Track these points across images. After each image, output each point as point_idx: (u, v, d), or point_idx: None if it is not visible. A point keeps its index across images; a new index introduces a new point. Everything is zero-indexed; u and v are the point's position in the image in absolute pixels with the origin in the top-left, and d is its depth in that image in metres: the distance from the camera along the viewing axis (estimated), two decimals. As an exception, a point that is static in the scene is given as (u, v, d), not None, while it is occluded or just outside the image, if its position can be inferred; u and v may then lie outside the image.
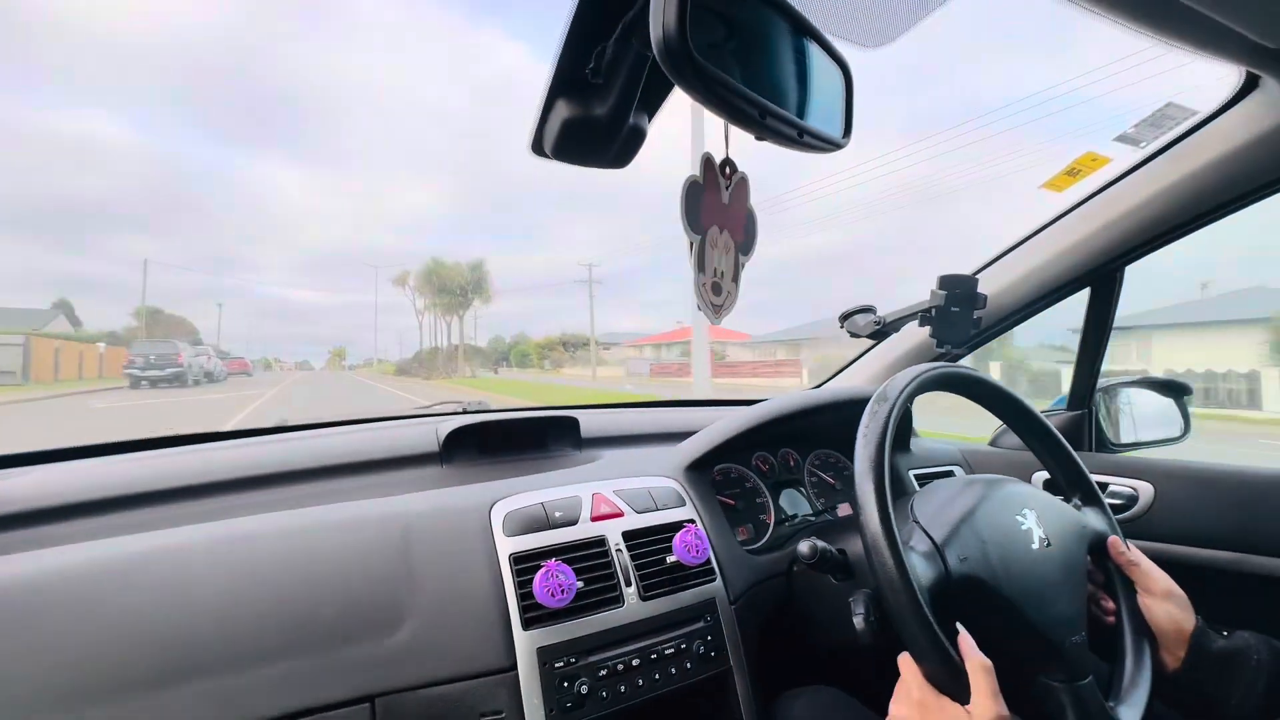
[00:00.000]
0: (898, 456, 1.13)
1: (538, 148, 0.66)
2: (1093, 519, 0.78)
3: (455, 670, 0.63)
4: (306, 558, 0.64)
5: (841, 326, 1.24)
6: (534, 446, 1.08)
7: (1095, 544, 0.76)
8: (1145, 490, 1.03)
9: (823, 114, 0.55)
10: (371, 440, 1.00)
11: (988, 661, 0.57)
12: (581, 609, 0.69)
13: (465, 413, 1.26)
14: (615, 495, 0.80)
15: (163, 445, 0.92)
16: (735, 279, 0.62)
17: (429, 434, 1.02)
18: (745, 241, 0.60)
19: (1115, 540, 0.75)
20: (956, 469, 1.19)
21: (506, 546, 0.70)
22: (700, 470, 0.94)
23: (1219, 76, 0.77)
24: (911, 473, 1.13)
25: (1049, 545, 0.71)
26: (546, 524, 0.73)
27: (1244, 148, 0.79)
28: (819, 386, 1.38)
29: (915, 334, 1.21)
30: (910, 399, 0.72)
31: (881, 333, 1.18)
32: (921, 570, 0.63)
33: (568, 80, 0.58)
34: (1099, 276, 1.04)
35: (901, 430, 1.14)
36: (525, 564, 0.69)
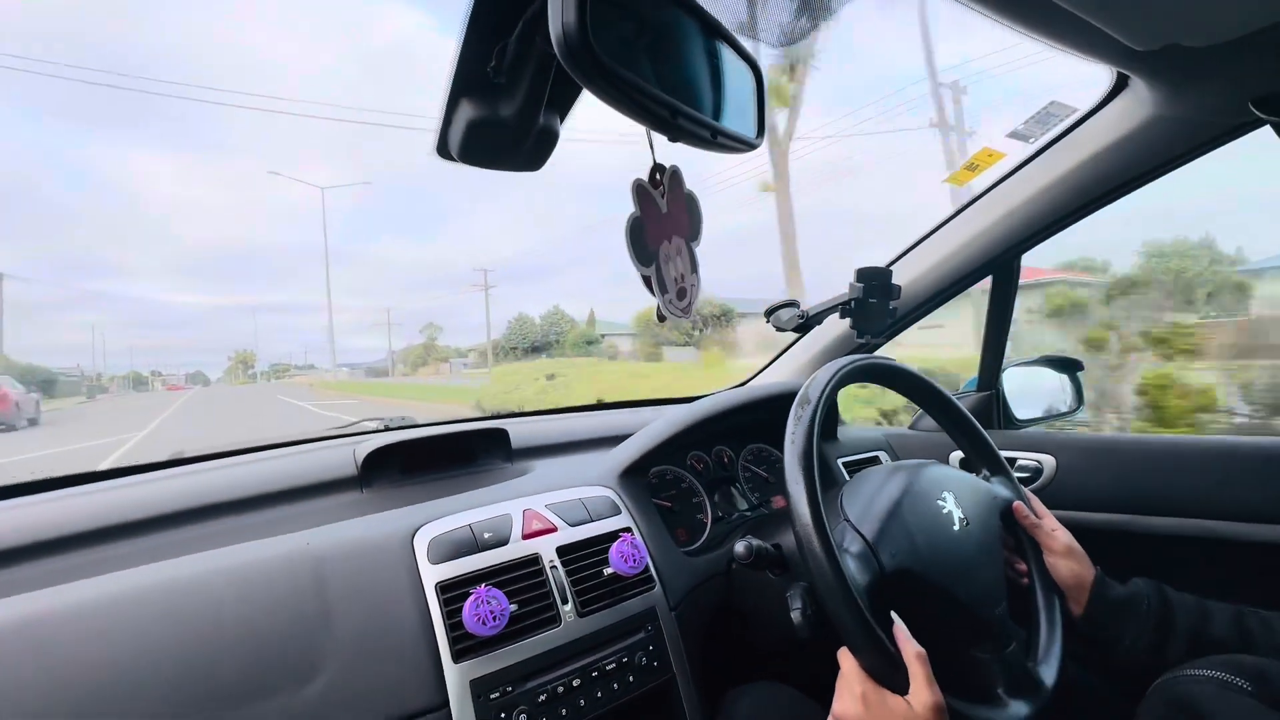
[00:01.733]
0: (826, 446, 1.17)
1: (443, 150, 0.62)
2: (1000, 488, 0.83)
3: (381, 714, 0.58)
4: (202, 611, 0.58)
5: (767, 321, 1.26)
6: (461, 462, 1.04)
7: (1004, 511, 0.81)
8: (1048, 462, 1.10)
9: (735, 114, 0.54)
10: (282, 468, 0.92)
11: (922, 650, 0.59)
12: (516, 633, 0.66)
13: (387, 429, 1.19)
14: (547, 510, 0.77)
15: (18, 493, 0.80)
16: (694, 269, 0.60)
17: (347, 456, 0.96)
18: (693, 231, 0.59)
19: (1019, 505, 0.81)
20: (882, 454, 1.24)
21: (432, 575, 0.66)
22: (635, 476, 0.92)
23: (1095, 76, 0.82)
24: (840, 461, 1.17)
25: (968, 524, 0.74)
26: (475, 547, 0.69)
27: (1117, 144, 0.86)
28: (747, 382, 1.40)
29: (837, 325, 1.24)
30: (831, 396, 0.73)
31: (805, 326, 1.21)
32: (857, 572, 0.64)
33: (470, 80, 0.55)
34: (999, 265, 1.11)
35: (828, 421, 1.17)
36: (454, 592, 0.65)
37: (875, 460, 1.21)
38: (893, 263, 1.19)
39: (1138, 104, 0.81)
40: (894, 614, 0.63)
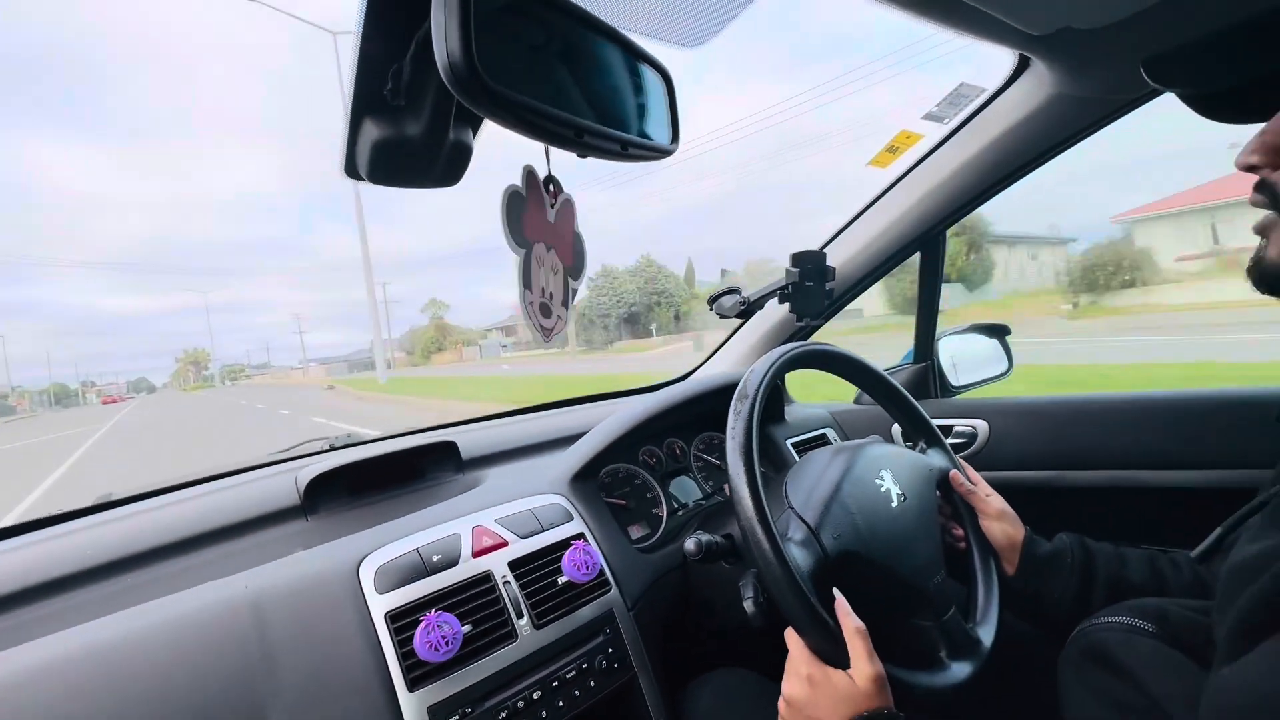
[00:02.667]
0: (773, 429, 1.19)
1: (351, 170, 0.60)
2: (936, 459, 0.87)
3: None
4: (135, 674, 0.55)
5: (711, 309, 1.27)
6: (410, 479, 1.02)
7: (941, 481, 0.85)
8: (982, 427, 1.16)
9: (647, 123, 0.54)
10: (221, 503, 0.89)
11: (861, 624, 0.61)
12: (472, 654, 0.65)
13: (333, 449, 1.16)
14: (497, 525, 0.77)
15: None
16: (565, 303, 0.59)
17: (290, 484, 0.93)
18: (574, 266, 0.58)
19: (955, 474, 0.85)
20: (828, 430, 1.28)
21: (381, 605, 0.65)
22: (586, 479, 0.93)
23: (998, 59, 0.85)
24: (789, 441, 1.20)
25: (905, 500, 0.77)
26: (424, 570, 0.69)
27: (1023, 122, 0.89)
28: (692, 373, 1.42)
29: (777, 310, 1.26)
30: (770, 386, 0.75)
31: (747, 312, 1.23)
32: (801, 559, 0.66)
33: (369, 100, 0.53)
34: (926, 241, 1.14)
35: (773, 405, 1.20)
36: (404, 620, 0.64)
37: (822, 438, 1.25)
38: (826, 245, 1.21)
39: (1039, 84, 0.84)
40: (836, 590, 0.65)
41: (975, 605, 0.78)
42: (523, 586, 0.72)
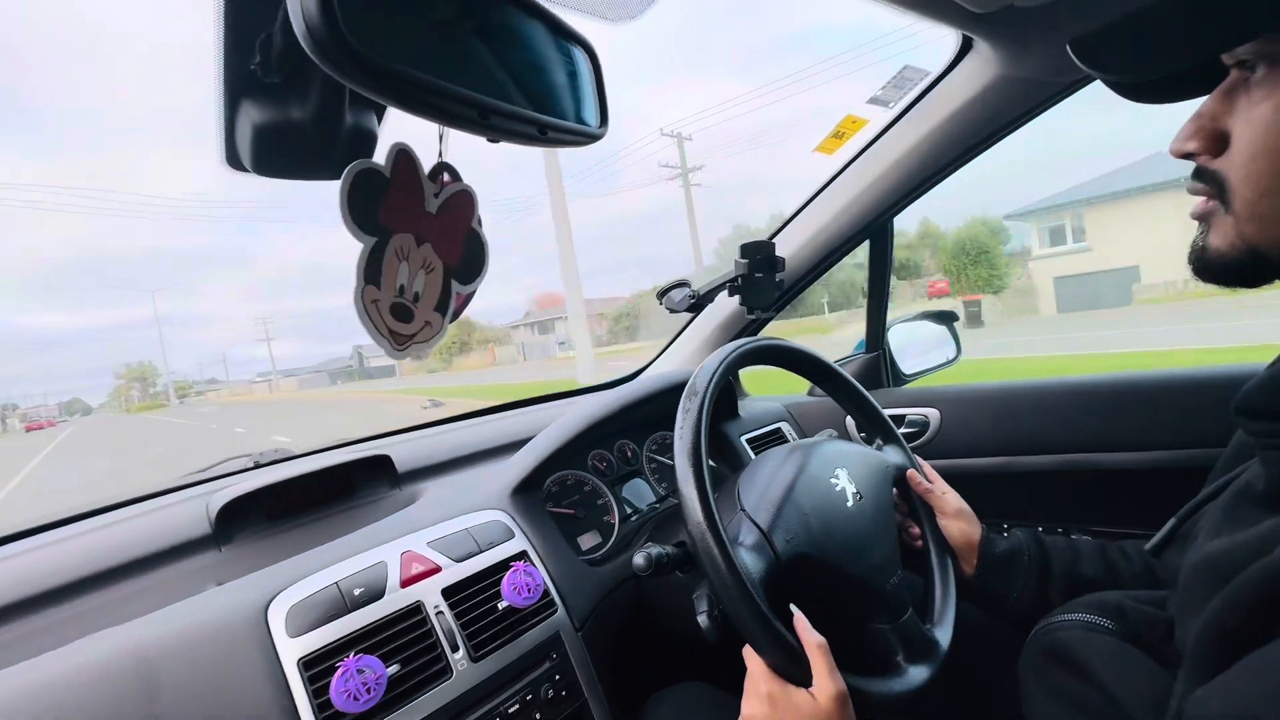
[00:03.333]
0: (728, 425, 1.16)
1: (233, 160, 0.52)
2: (893, 456, 0.85)
3: None
4: None
5: (660, 303, 1.22)
6: (339, 498, 0.94)
7: (898, 478, 0.83)
8: (934, 415, 1.15)
9: (569, 105, 0.48)
10: (123, 536, 0.79)
11: (822, 640, 0.58)
12: (400, 698, 0.59)
13: (257, 467, 1.06)
14: (430, 548, 0.70)
15: None
16: (441, 309, 0.52)
17: (203, 510, 0.84)
18: (463, 268, 0.52)
19: (912, 473, 0.83)
20: (783, 424, 1.25)
21: (293, 650, 0.58)
22: (529, 491, 0.87)
23: (943, 40, 0.83)
24: (744, 438, 1.17)
25: (861, 498, 0.75)
26: (345, 607, 0.62)
27: (969, 104, 0.87)
28: (642, 371, 1.38)
29: (728, 303, 1.23)
30: (719, 384, 0.71)
31: (698, 305, 1.19)
32: (752, 564, 0.62)
33: (243, 79, 0.45)
34: (873, 229, 1.13)
35: (727, 401, 1.16)
36: (321, 666, 0.57)
37: (777, 432, 1.22)
38: (774, 235, 1.18)
39: (984, 65, 0.82)
40: (793, 607, 0.62)
41: (932, 606, 0.76)
42: (458, 616, 0.66)
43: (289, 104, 0.47)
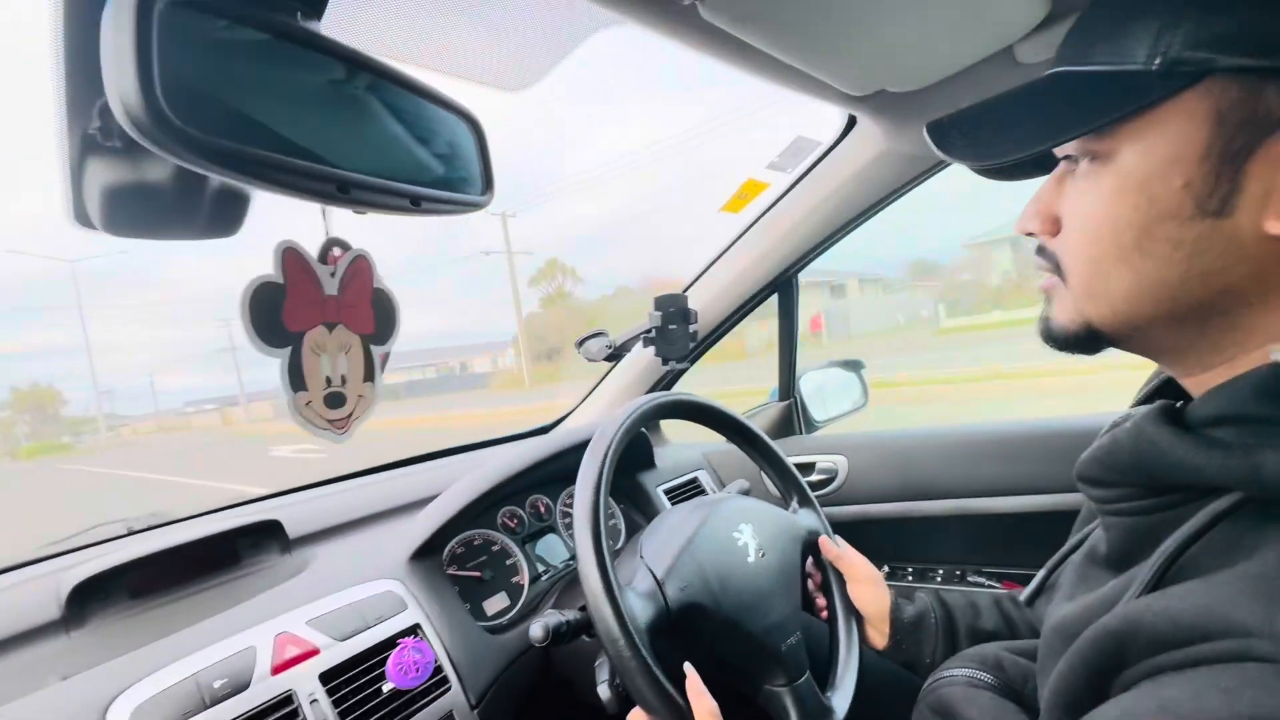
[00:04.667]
0: (644, 476, 1.15)
1: (81, 218, 0.49)
2: (806, 520, 0.85)
3: None
4: None
5: (579, 351, 1.22)
6: (220, 568, 0.86)
7: (809, 544, 0.83)
8: (842, 463, 1.19)
9: (447, 175, 0.48)
10: None
11: (713, 703, 0.57)
12: None
13: (130, 534, 0.97)
14: (309, 627, 0.65)
15: None
16: (369, 378, 0.51)
17: (51, 590, 0.74)
18: (378, 332, 0.51)
19: (825, 540, 0.82)
20: (700, 473, 1.26)
21: None
22: (429, 556, 0.83)
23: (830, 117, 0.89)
24: (660, 488, 1.16)
25: (764, 555, 0.75)
26: (202, 703, 0.56)
27: (856, 175, 0.94)
28: (559, 422, 1.36)
29: (644, 354, 1.24)
30: (621, 445, 0.71)
31: (615, 355, 1.20)
32: (640, 610, 0.61)
33: (86, 139, 0.43)
34: (780, 284, 1.18)
35: (642, 452, 1.16)
36: None
37: (694, 482, 1.23)
38: (688, 288, 1.21)
39: (866, 140, 0.89)
40: (688, 666, 0.61)
41: (834, 671, 0.76)
42: (337, 703, 0.61)
43: (140, 166, 0.45)
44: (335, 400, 0.46)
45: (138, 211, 0.48)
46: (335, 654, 0.64)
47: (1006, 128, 0.40)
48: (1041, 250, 0.42)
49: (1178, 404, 0.39)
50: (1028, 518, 1.02)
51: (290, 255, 0.46)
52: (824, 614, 0.81)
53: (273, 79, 0.36)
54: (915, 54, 0.69)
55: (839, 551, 0.81)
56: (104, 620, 0.74)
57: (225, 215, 0.51)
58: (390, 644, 0.68)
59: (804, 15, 0.56)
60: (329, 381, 0.46)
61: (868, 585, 0.79)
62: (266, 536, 0.90)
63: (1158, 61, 0.32)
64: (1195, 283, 0.34)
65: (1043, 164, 0.44)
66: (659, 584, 0.65)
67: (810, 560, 0.84)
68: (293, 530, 0.92)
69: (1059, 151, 0.41)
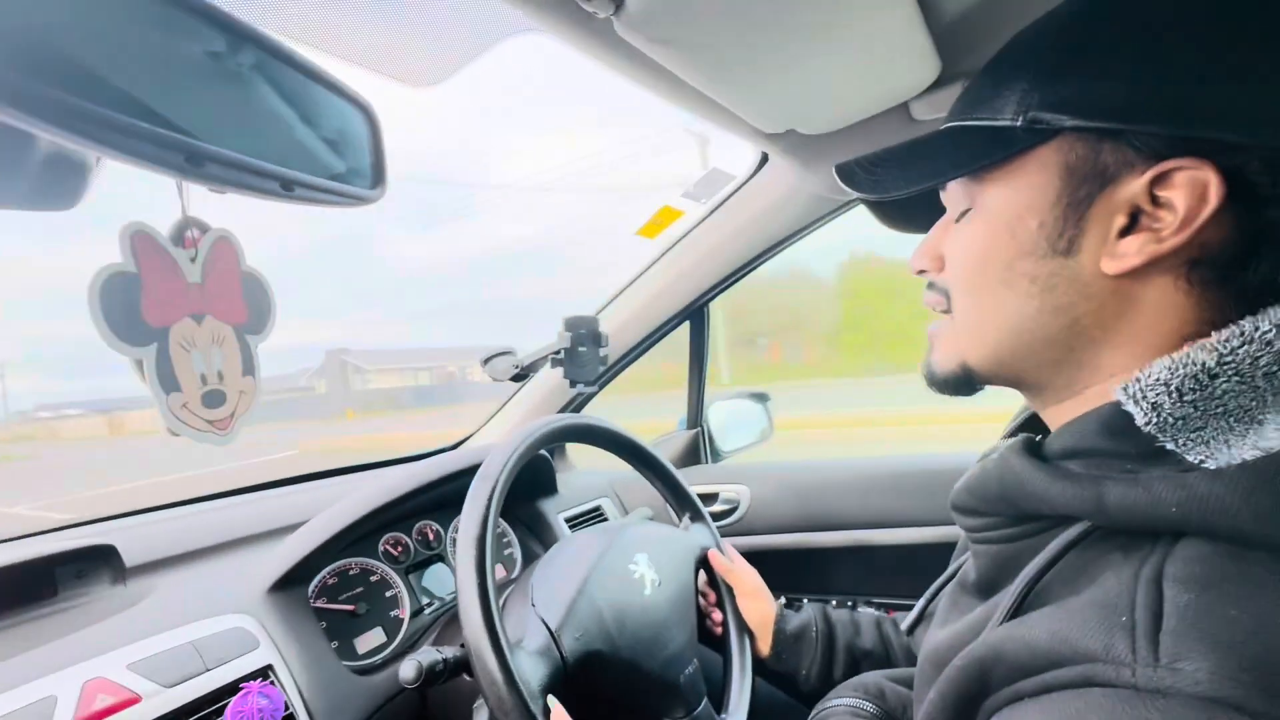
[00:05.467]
0: (544, 503, 1.11)
1: None
2: (698, 535, 0.86)
3: None
4: None
5: (484, 370, 1.17)
6: (32, 600, 0.73)
7: (701, 560, 0.83)
8: (744, 493, 1.20)
9: (331, 164, 0.44)
10: None
11: None
12: None
13: None
14: (130, 671, 0.56)
15: None
16: (250, 371, 0.46)
17: None
18: (251, 320, 0.46)
19: (713, 553, 0.84)
20: (604, 500, 1.23)
21: None
22: (293, 586, 0.74)
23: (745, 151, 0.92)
24: (561, 515, 1.12)
25: (660, 585, 0.73)
26: None
27: (768, 210, 0.97)
28: (461, 444, 1.30)
29: (552, 375, 1.21)
30: (515, 468, 0.67)
31: (522, 375, 1.16)
32: (533, 672, 0.57)
33: None
34: (692, 312, 1.19)
35: (543, 477, 1.12)
36: None
37: (597, 510, 1.19)
38: (600, 311, 1.20)
39: (777, 176, 0.93)
40: (552, 700, 0.57)
41: (729, 694, 0.75)
42: None
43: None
44: (214, 399, 0.41)
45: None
46: (159, 703, 0.55)
47: (903, 169, 0.44)
48: (931, 285, 0.45)
49: (1037, 438, 0.42)
50: (915, 549, 1.07)
51: (141, 239, 0.40)
52: (719, 629, 0.81)
53: (129, 34, 0.31)
54: (822, 101, 0.72)
55: (728, 565, 0.83)
56: None
57: (58, 185, 0.44)
58: (232, 689, 0.59)
59: (720, 48, 0.57)
60: (204, 379, 0.40)
61: (754, 598, 0.80)
62: (96, 563, 0.77)
63: (1021, 119, 0.36)
64: (1048, 317, 0.37)
65: (930, 218, 0.47)
66: (553, 637, 0.62)
67: (704, 577, 0.84)
68: (131, 557, 0.79)
69: (945, 199, 0.45)
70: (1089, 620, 0.29)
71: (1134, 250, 0.33)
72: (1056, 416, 0.40)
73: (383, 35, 0.58)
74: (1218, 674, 0.25)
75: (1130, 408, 0.32)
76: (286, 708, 0.61)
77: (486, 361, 1.18)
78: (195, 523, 0.93)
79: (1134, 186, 0.33)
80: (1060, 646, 0.29)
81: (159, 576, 0.80)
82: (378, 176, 0.48)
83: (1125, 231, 0.34)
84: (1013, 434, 0.50)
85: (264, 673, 0.62)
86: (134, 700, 0.54)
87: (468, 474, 0.97)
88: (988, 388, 0.45)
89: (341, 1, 0.55)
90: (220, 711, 0.57)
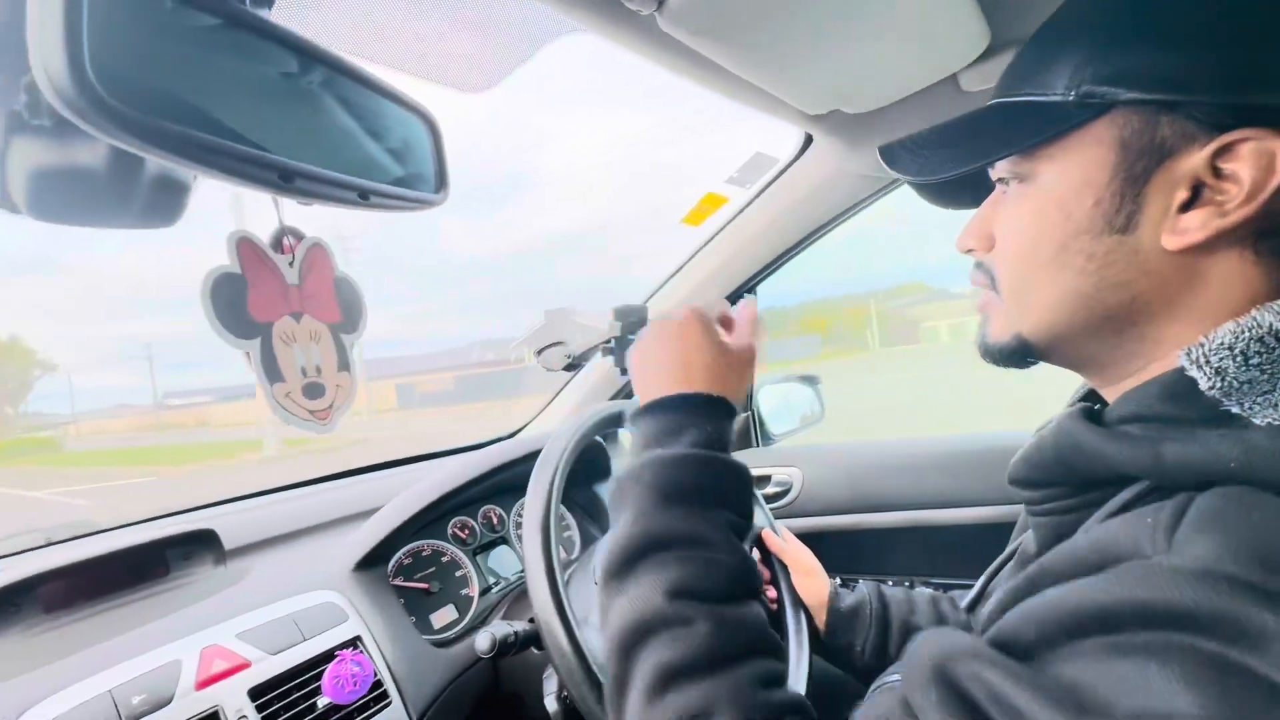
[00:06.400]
0: (601, 487, 1.14)
1: (6, 202, 0.46)
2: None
3: None
4: None
5: (537, 361, 1.21)
6: (148, 580, 0.81)
7: (755, 540, 0.85)
8: (797, 476, 1.21)
9: (399, 172, 0.47)
10: None
11: None
12: None
13: (49, 544, 0.90)
14: (240, 640, 0.62)
15: None
16: (345, 367, 0.51)
17: None
18: (346, 320, 0.50)
19: (767, 533, 0.85)
20: None
21: None
22: (374, 566, 0.80)
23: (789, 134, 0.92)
24: None
25: None
26: None
27: (813, 192, 0.96)
28: (516, 433, 1.34)
29: (603, 364, 1.24)
30: (574, 454, 0.70)
31: (574, 365, 1.19)
32: (598, 645, 0.61)
33: (11, 118, 0.41)
34: (738, 297, 1.19)
35: (598, 463, 1.15)
36: None
37: (651, 493, 1.22)
38: (648, 299, 1.22)
39: (823, 158, 0.92)
40: None
41: (787, 665, 0.77)
42: (269, 717, 0.58)
43: (72, 148, 0.43)
44: (314, 390, 0.45)
45: (68, 196, 0.46)
46: (266, 668, 0.61)
47: (949, 149, 0.43)
48: (979, 265, 0.45)
49: (1096, 406, 0.41)
50: (973, 529, 1.05)
51: (245, 245, 0.45)
52: (774, 605, 0.82)
53: (218, 63, 0.35)
54: (867, 78, 0.72)
55: (783, 545, 0.84)
56: (14, 634, 0.69)
57: (163, 203, 0.49)
58: (327, 657, 0.65)
59: (762, 33, 0.58)
60: (304, 372, 0.45)
61: (809, 576, 0.81)
62: (200, 547, 0.85)
63: (1073, 93, 0.35)
64: (1107, 293, 0.36)
65: (978, 195, 0.47)
66: None
67: (757, 555, 0.86)
68: (229, 540, 0.87)
69: (994, 175, 0.44)
70: (1124, 529, 0.31)
71: (1197, 225, 0.33)
72: (1117, 391, 0.39)
73: (437, 46, 0.61)
74: (1222, 554, 0.26)
75: (1193, 372, 0.32)
76: (375, 674, 0.67)
77: (540, 353, 1.22)
78: (280, 510, 1.01)
79: (1195, 160, 0.32)
80: (1098, 554, 0.31)
81: (253, 558, 0.88)
82: (441, 181, 0.51)
83: (1187, 206, 0.33)
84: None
85: (353, 643, 0.68)
86: (245, 665, 0.60)
87: (527, 461, 1.02)
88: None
89: (396, 16, 0.59)
90: (318, 676, 0.63)
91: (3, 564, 0.81)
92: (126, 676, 0.56)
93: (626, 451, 1.43)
